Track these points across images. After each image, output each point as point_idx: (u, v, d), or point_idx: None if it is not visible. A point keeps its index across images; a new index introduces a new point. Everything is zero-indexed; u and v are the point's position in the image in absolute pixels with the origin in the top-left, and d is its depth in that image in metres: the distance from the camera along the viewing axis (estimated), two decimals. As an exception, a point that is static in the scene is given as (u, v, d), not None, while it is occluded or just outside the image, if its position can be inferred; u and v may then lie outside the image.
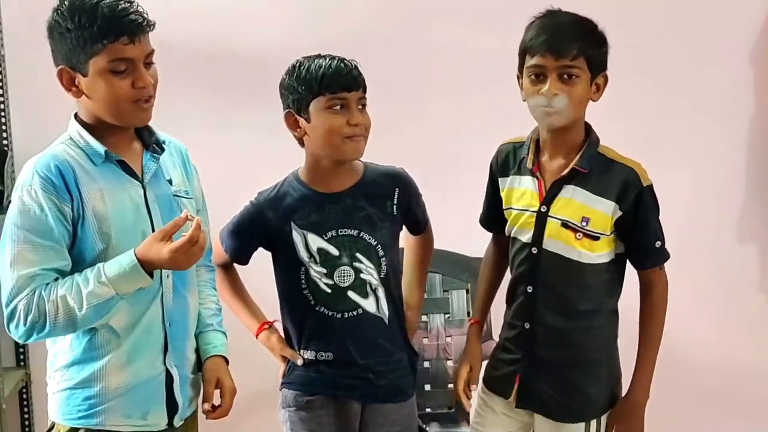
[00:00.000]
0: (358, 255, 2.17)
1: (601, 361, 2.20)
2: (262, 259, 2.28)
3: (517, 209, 2.17)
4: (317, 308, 2.19)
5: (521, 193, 2.17)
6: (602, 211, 2.08)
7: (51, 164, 1.85)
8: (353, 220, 2.17)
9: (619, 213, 2.09)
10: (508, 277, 2.28)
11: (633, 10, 3.06)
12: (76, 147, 1.90)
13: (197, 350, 2.12)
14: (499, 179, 2.22)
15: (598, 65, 2.07)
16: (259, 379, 2.59)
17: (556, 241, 2.11)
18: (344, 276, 2.18)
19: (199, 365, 2.11)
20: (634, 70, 3.05)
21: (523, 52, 2.07)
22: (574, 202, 2.09)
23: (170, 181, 2.02)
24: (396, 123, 2.99)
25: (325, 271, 2.18)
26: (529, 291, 2.16)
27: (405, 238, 2.38)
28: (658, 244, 2.16)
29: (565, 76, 2.02)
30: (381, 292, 2.20)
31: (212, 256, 2.28)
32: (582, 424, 2.18)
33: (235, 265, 2.33)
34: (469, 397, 2.29)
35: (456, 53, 3.07)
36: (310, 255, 2.18)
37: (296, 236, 2.18)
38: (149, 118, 1.94)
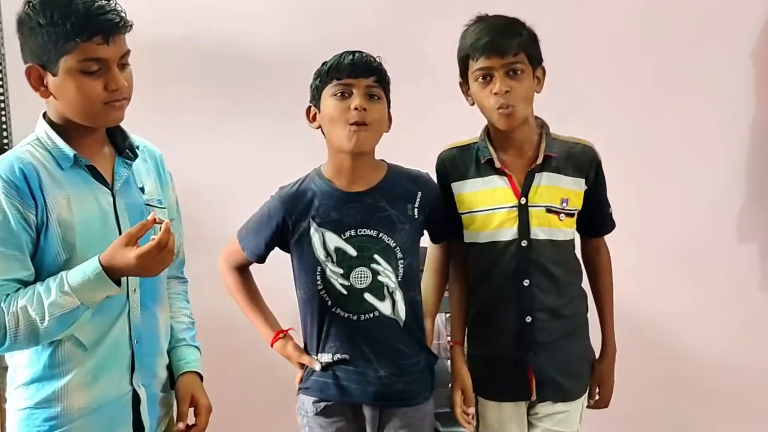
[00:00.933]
0: (376, 256, 2.14)
1: (584, 328, 2.28)
2: (279, 260, 2.25)
3: (488, 209, 2.18)
4: (333, 309, 2.17)
5: (490, 192, 2.19)
6: (575, 189, 2.18)
7: (15, 167, 1.73)
8: (373, 221, 2.14)
9: (585, 187, 2.19)
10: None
11: (633, 10, 3.07)
12: (43, 149, 1.79)
13: (169, 367, 2.01)
14: (453, 185, 2.24)
15: (536, 59, 2.16)
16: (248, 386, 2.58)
17: (544, 227, 2.16)
18: (361, 277, 2.15)
19: (171, 382, 2.01)
20: (634, 70, 3.06)
21: (465, 58, 2.16)
22: (551, 186, 2.17)
23: (142, 189, 1.91)
24: (400, 122, 3.00)
25: (341, 271, 2.15)
26: (526, 285, 2.17)
27: (428, 243, 2.34)
28: (610, 210, 2.29)
29: (512, 72, 2.10)
30: (398, 296, 2.17)
31: (229, 258, 2.24)
32: (585, 395, 2.27)
33: (250, 269, 2.30)
34: (469, 420, 2.26)
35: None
36: (327, 254, 2.15)
37: (314, 234, 2.16)
38: (121, 117, 1.83)
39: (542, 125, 2.21)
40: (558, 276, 2.20)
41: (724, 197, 3.16)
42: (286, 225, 2.18)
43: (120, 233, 1.81)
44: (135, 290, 1.86)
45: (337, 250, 2.15)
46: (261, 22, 3.10)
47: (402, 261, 2.16)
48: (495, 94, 2.09)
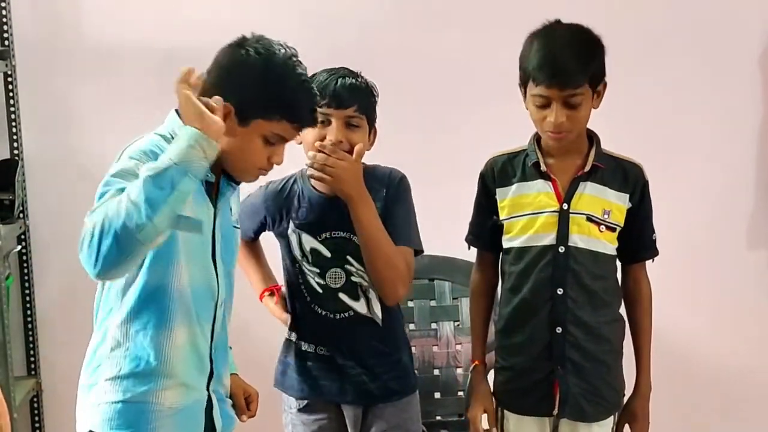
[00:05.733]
0: (348, 257, 2.20)
1: (618, 356, 2.24)
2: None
3: (530, 213, 2.18)
4: (312, 306, 2.23)
5: (534, 197, 2.18)
6: (619, 203, 2.17)
7: (152, 144, 1.80)
8: (346, 222, 2.18)
9: (629, 205, 2.18)
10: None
11: (641, 15, 3.07)
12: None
13: None
14: (498, 190, 2.23)
15: (599, 78, 2.12)
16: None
17: (583, 235, 2.15)
18: (335, 277, 2.21)
19: None
20: (642, 75, 3.06)
21: (526, 74, 2.10)
22: (594, 196, 2.16)
23: (231, 209, 2.01)
24: (413, 131, 3.01)
25: (317, 270, 2.22)
26: (559, 293, 2.16)
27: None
28: (654, 236, 2.25)
29: (570, 104, 2.07)
30: (372, 294, 2.22)
31: None
32: (611, 418, 2.23)
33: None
34: None
35: (471, 61, 3.07)
36: (303, 254, 2.22)
37: (291, 234, 2.23)
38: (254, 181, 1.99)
39: (593, 137, 2.20)
40: (595, 290, 2.16)
41: (732, 204, 3.16)
42: (266, 220, 2.29)
43: (213, 249, 1.91)
44: (221, 305, 1.96)
45: (313, 251, 2.22)
46: (273, 33, 3.10)
47: None
48: (549, 122, 2.08)
